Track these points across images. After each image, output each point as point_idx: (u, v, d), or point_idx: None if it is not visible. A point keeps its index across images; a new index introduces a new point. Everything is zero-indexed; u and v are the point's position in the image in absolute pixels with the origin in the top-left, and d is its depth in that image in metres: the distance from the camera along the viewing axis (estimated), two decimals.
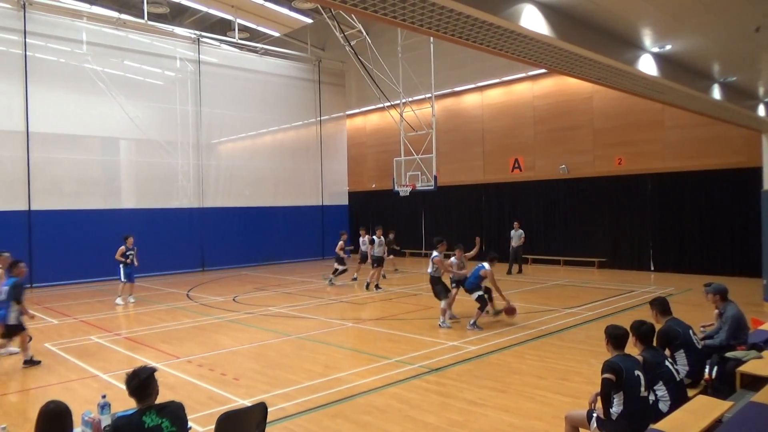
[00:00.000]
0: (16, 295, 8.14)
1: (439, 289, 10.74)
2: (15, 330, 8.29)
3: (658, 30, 7.46)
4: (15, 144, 17.11)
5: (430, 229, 24.55)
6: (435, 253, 11.00)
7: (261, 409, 4.07)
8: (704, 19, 7.01)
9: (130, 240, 14.10)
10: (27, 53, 17.30)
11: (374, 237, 15.64)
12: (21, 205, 17.20)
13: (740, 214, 16.25)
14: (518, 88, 21.65)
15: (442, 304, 10.66)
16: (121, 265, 13.85)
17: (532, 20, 6.01)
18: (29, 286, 16.84)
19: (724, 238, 16.61)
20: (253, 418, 4.03)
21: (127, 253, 13.90)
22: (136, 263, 14.09)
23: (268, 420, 4.14)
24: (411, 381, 7.14)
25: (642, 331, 4.82)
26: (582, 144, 19.79)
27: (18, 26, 17.19)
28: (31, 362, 8.21)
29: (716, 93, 10.53)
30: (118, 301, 13.89)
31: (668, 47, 8.18)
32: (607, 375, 4.29)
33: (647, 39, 7.79)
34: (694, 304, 11.44)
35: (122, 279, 13.91)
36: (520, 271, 18.58)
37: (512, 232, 18.87)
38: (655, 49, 8.24)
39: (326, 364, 8.18)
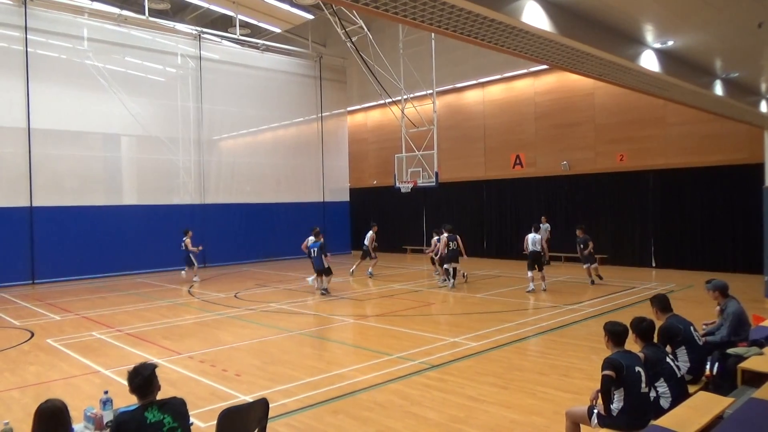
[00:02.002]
0: (323, 251, 13.73)
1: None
2: (328, 272, 13.94)
3: (660, 26, 7.44)
4: (17, 140, 17.12)
5: (431, 226, 24.51)
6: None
7: (262, 404, 4.08)
8: (707, 14, 6.99)
9: (191, 233, 16.90)
10: (28, 50, 17.29)
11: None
12: (23, 202, 17.23)
13: (742, 210, 16.23)
14: (519, 84, 21.61)
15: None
16: (191, 254, 16.66)
17: (534, 16, 6.00)
18: (32, 282, 16.91)
19: (726, 234, 16.60)
20: (254, 414, 4.04)
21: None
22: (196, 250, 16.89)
23: (269, 416, 4.15)
24: (412, 377, 7.15)
25: (642, 328, 4.81)
26: (583, 140, 19.76)
27: (19, 22, 17.18)
28: (327, 292, 13.80)
29: (718, 89, 10.51)
30: (196, 278, 17.00)
31: (670, 43, 8.16)
32: (607, 372, 4.29)
33: (649, 35, 7.77)
34: (695, 301, 11.44)
35: (197, 264, 17.07)
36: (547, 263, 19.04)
37: (540, 226, 18.95)
38: (657, 45, 8.21)
39: (327, 360, 8.20)
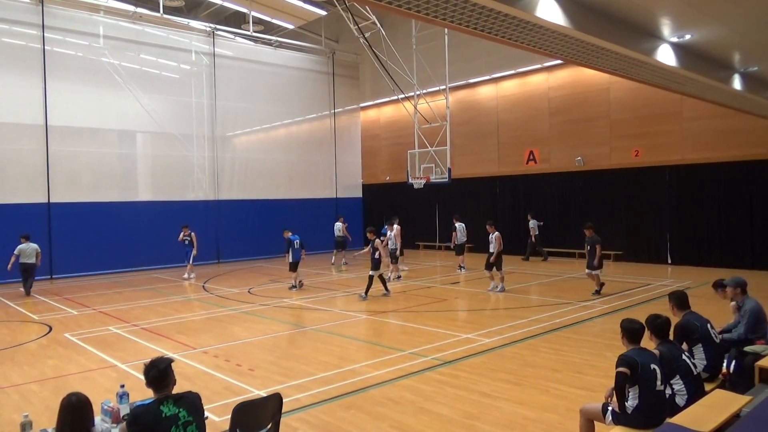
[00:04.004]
0: (303, 246, 14.70)
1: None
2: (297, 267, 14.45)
3: (677, 19, 7.34)
4: (34, 137, 17.38)
5: (444, 222, 24.48)
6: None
7: (276, 399, 4.10)
8: (724, 7, 6.88)
9: (186, 229, 16.76)
10: (45, 47, 17.51)
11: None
12: (41, 198, 17.49)
13: (760, 206, 16.00)
14: (533, 79, 21.45)
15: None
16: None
17: (548, 10, 5.95)
18: (50, 277, 17.13)
19: (743, 230, 16.36)
20: (268, 409, 4.07)
21: (182, 239, 16.71)
22: (194, 249, 16.72)
23: (283, 410, 4.18)
24: (425, 373, 7.15)
25: (657, 324, 4.77)
26: (598, 135, 19.58)
27: (36, 21, 17.40)
28: (297, 286, 14.36)
29: (737, 83, 10.36)
30: (185, 276, 16.85)
31: (687, 37, 8.05)
32: (621, 369, 4.26)
33: (666, 29, 7.68)
34: (711, 298, 11.25)
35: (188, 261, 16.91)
36: (539, 258, 19.91)
37: (530, 222, 20.11)
38: (674, 39, 8.11)
39: (340, 355, 8.23)
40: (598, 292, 12.56)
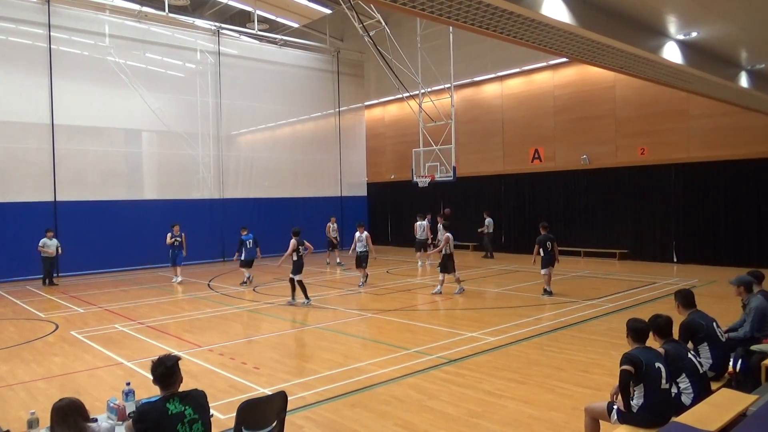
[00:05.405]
0: (257, 244, 15.26)
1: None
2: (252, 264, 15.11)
3: (683, 16, 7.31)
4: (41, 136, 17.47)
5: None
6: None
7: (281, 397, 4.12)
8: (731, 4, 6.84)
9: (176, 228, 15.90)
10: (51, 47, 17.59)
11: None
12: (47, 196, 17.58)
13: (766, 204, 15.91)
14: (539, 77, 21.39)
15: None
16: (169, 250, 15.89)
17: (554, 8, 5.93)
18: (57, 275, 17.22)
19: (750, 229, 16.28)
20: (273, 407, 4.08)
21: (173, 240, 15.80)
22: (183, 250, 15.94)
23: (288, 408, 4.19)
24: (429, 371, 7.15)
25: (657, 323, 4.76)
26: (604, 134, 19.50)
27: (43, 20, 17.48)
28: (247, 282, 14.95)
29: (744, 81, 10.30)
30: (173, 279, 16.13)
31: (694, 34, 8.01)
32: (625, 367, 4.25)
33: (672, 26, 7.64)
34: (718, 297, 11.26)
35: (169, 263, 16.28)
36: (491, 256, 20.51)
37: (486, 220, 20.72)
38: (681, 37, 8.07)
39: (345, 354, 8.24)
40: (545, 292, 12.46)
